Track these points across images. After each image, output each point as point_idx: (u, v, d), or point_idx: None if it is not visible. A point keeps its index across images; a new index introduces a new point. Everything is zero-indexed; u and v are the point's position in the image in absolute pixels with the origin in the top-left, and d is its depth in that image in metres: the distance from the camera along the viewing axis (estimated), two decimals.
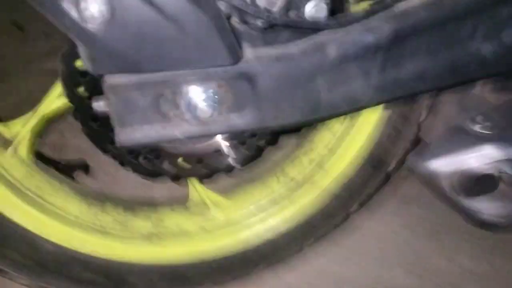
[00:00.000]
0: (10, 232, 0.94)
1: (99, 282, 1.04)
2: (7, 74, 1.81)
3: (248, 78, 0.75)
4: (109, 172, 1.48)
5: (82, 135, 1.56)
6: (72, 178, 1.38)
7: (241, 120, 0.80)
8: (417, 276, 1.39)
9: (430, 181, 0.92)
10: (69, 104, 0.85)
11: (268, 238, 1.12)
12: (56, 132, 1.57)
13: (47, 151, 1.45)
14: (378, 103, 0.87)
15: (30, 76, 1.80)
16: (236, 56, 0.71)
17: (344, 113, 0.85)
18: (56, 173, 1.06)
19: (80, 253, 1.00)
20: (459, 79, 0.91)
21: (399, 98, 0.88)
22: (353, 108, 0.84)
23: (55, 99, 0.91)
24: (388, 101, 0.88)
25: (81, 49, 0.66)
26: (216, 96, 0.76)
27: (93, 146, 1.50)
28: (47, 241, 0.98)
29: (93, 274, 1.03)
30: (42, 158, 1.36)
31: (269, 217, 1.12)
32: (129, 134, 0.75)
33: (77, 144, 1.54)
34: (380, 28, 0.78)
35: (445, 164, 0.89)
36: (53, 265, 0.99)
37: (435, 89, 0.92)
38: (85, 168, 1.44)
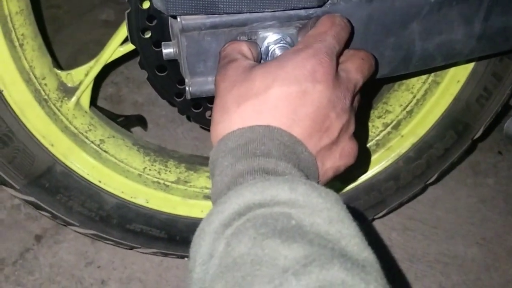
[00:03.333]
0: (75, 184, 0.92)
1: (161, 238, 1.02)
2: (63, 24, 1.80)
3: None
4: (167, 129, 1.45)
5: (139, 90, 1.54)
6: (130, 133, 1.37)
7: None
8: (492, 252, 1.28)
9: None
10: (132, 51, 0.80)
11: None
12: (113, 86, 1.54)
13: (105, 105, 1.44)
14: (478, 56, 0.75)
15: (85, 27, 1.79)
16: None
17: (438, 67, 0.75)
18: (118, 127, 1.02)
19: (144, 208, 0.98)
20: None
21: (503, 52, 0.76)
22: (450, 61, 0.73)
23: (118, 46, 0.86)
24: (489, 55, 0.76)
25: None
26: (295, 44, 0.67)
27: (150, 102, 1.49)
28: (111, 194, 0.95)
29: (156, 229, 1.00)
30: (101, 112, 1.35)
31: (337, 183, 1.04)
32: (200, 85, 0.68)
33: (134, 99, 1.51)
34: None
35: None
36: (116, 218, 0.97)
37: None
38: (144, 123, 1.41)
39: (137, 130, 1.42)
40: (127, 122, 1.40)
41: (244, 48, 0.61)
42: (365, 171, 1.02)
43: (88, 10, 1.91)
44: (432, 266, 1.24)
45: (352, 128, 0.58)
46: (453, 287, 1.21)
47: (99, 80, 1.47)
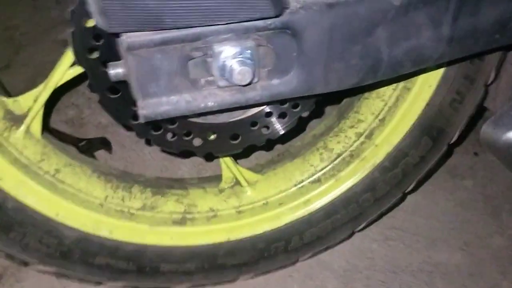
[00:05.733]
0: (29, 220, 0.85)
1: (130, 270, 0.95)
2: (21, 45, 1.72)
3: (294, 32, 0.62)
4: (133, 150, 1.38)
5: (101, 111, 1.46)
6: (93, 157, 1.30)
7: (285, 87, 0.67)
8: (475, 257, 1.25)
9: (508, 154, 0.77)
10: (84, 72, 0.74)
11: (312, 223, 1.00)
12: (73, 108, 1.47)
13: (66, 129, 1.36)
14: (449, 60, 0.72)
15: (44, 48, 1.71)
16: (279, 4, 0.57)
17: (408, 74, 0.71)
18: (75, 154, 0.95)
19: (108, 239, 0.91)
20: None
21: (475, 54, 0.73)
22: (420, 66, 0.70)
23: (68, 68, 0.80)
24: (461, 58, 0.73)
25: (91, 0, 0.54)
26: (255, 58, 0.63)
27: (114, 123, 1.42)
28: (70, 228, 0.88)
29: (123, 261, 0.94)
30: (61, 136, 1.27)
31: (313, 199, 1.00)
32: (154, 107, 0.63)
33: (97, 120, 1.44)
34: None
35: None
36: (79, 253, 0.90)
37: None
38: (108, 146, 1.34)
39: (102, 153, 1.35)
40: (90, 146, 1.32)
41: None
42: None
43: (46, 31, 1.84)
44: (416, 275, 1.20)
45: None
46: None
47: (51, 104, 1.39)
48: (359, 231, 1.08)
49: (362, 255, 1.23)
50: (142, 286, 0.98)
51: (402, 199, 1.05)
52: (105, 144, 1.35)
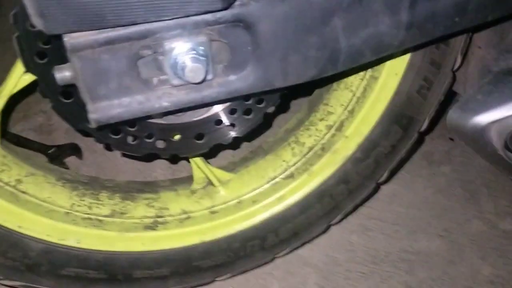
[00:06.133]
0: None
1: (101, 279, 0.92)
2: None
3: (246, 25, 0.59)
4: (104, 155, 1.34)
5: None
6: (64, 164, 1.26)
7: (243, 82, 0.65)
8: (455, 243, 1.25)
9: (476, 139, 0.76)
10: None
11: (287, 219, 0.98)
12: (42, 115, 1.43)
13: (34, 137, 1.32)
14: (409, 47, 0.70)
15: (11, 51, 1.66)
16: None
17: (369, 63, 0.69)
18: (37, 163, 0.92)
19: (76, 249, 0.88)
20: (506, 11, 0.74)
21: (435, 39, 0.71)
22: (381, 54, 0.68)
23: (22, 74, 0.76)
24: (422, 44, 0.71)
25: (27, 1, 0.51)
26: (207, 54, 0.60)
27: None
28: (35, 240, 0.85)
29: (94, 271, 0.91)
30: (29, 144, 1.24)
31: (287, 195, 0.98)
32: (105, 110, 0.60)
33: (66, 126, 1.40)
34: None
35: (495, 118, 0.73)
36: (46, 265, 0.87)
37: (476, 25, 0.75)
38: (78, 152, 1.31)
39: (72, 160, 1.31)
40: (60, 153, 1.29)
41: None
42: None
43: (10, 38, 1.79)
44: (396, 265, 1.20)
45: None
46: (420, 285, 1.17)
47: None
48: (335, 224, 1.06)
49: (341, 248, 1.22)
50: None
51: (376, 189, 1.04)
52: (75, 150, 1.31)
